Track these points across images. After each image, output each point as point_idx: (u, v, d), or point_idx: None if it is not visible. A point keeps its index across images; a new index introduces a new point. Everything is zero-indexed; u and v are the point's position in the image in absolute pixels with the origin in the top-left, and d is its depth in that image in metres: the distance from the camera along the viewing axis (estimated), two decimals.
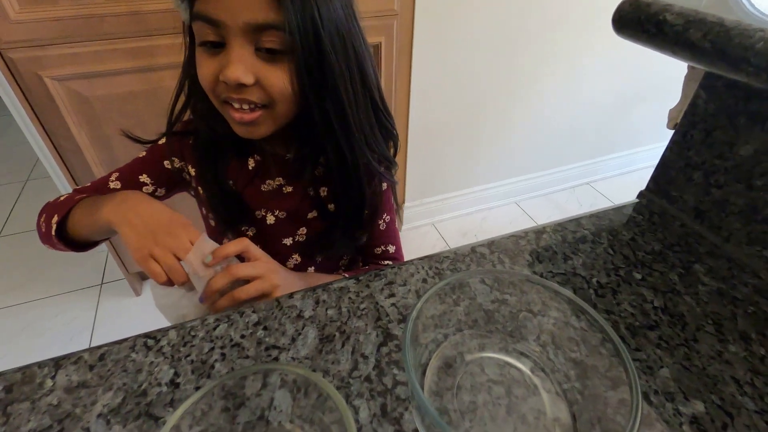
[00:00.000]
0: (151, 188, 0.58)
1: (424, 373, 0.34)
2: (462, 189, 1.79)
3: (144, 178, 0.57)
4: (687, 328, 0.39)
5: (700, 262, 0.46)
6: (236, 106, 0.44)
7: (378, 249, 0.64)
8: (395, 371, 0.35)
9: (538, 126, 1.72)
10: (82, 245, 0.55)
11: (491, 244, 0.48)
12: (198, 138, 0.54)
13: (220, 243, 0.64)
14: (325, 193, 0.57)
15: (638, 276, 0.44)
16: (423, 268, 0.45)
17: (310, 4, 0.39)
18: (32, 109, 1.11)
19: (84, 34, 1.06)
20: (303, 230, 0.60)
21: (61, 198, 0.55)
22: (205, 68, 0.43)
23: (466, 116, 1.56)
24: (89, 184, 0.58)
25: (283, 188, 0.57)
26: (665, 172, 0.54)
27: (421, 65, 1.36)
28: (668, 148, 0.53)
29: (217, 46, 0.42)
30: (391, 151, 0.57)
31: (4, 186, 1.95)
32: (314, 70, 0.42)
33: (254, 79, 0.42)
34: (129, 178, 0.57)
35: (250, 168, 0.55)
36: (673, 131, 0.52)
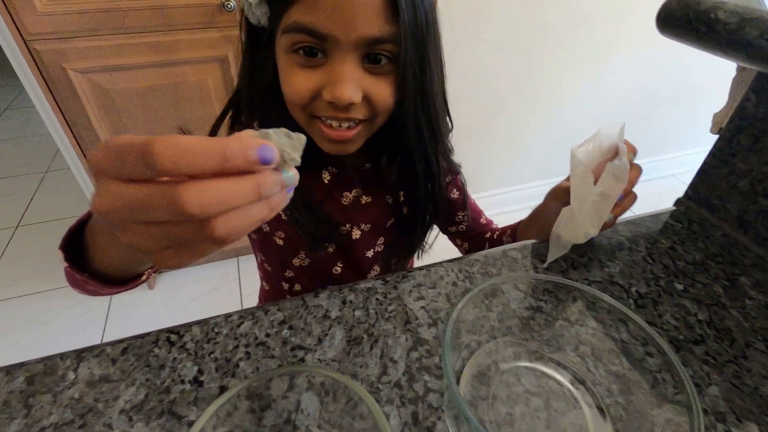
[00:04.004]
0: None
1: (457, 381, 0.32)
2: (476, 193, 1.76)
3: None
4: (735, 344, 0.37)
5: (746, 275, 0.44)
6: (334, 124, 0.40)
7: (482, 219, 0.66)
8: (426, 377, 0.33)
9: (556, 130, 1.69)
10: (121, 280, 0.36)
11: (523, 248, 0.46)
12: None
13: (282, 270, 0.60)
14: (402, 198, 0.55)
15: (680, 287, 0.42)
16: (453, 270, 0.43)
17: (423, 10, 0.36)
18: (55, 100, 1.12)
19: (107, 28, 1.07)
20: (381, 240, 0.58)
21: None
22: (302, 83, 0.38)
23: (482, 118, 1.54)
24: None
25: (361, 199, 0.54)
26: (706, 179, 0.51)
27: None
28: (711, 154, 0.51)
29: (313, 55, 0.37)
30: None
31: (23, 177, 1.98)
32: (417, 78, 0.40)
33: (362, 96, 0.38)
34: None
35: (326, 181, 0.51)
36: (716, 136, 0.50)
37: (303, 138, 0.20)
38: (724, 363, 0.35)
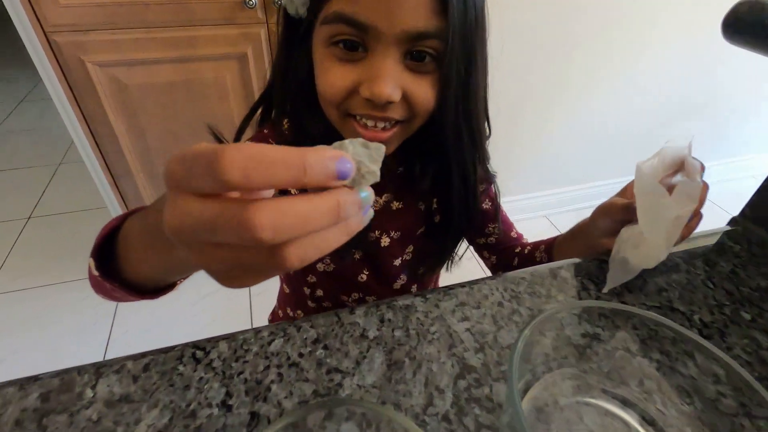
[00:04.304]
0: None
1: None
2: None
3: None
4: None
5: None
6: (369, 124, 0.38)
7: (513, 233, 0.62)
8: (477, 411, 0.30)
9: (575, 139, 1.65)
10: (151, 289, 0.33)
11: (571, 266, 0.43)
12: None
13: (304, 275, 0.57)
14: (435, 206, 0.53)
15: (747, 316, 0.38)
16: (498, 289, 0.40)
17: (473, 6, 0.35)
18: (72, 93, 1.11)
19: (127, 21, 1.05)
20: (410, 248, 0.55)
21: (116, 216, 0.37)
22: (338, 78, 0.36)
23: (500, 124, 1.49)
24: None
25: (391, 205, 0.51)
26: (767, 197, 0.48)
27: None
28: None
29: (353, 49, 0.35)
30: None
31: (37, 168, 1.98)
32: (461, 78, 0.37)
33: (401, 95, 0.36)
34: None
35: None
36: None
37: (382, 147, 0.18)
38: None
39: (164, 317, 1.32)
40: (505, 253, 0.62)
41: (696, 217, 0.39)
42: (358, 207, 0.17)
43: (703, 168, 0.38)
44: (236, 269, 0.17)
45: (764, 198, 0.48)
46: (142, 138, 1.23)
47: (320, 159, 0.15)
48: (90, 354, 1.24)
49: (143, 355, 0.33)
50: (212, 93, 1.21)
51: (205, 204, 0.15)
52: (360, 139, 0.18)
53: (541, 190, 1.79)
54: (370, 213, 0.18)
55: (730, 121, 1.81)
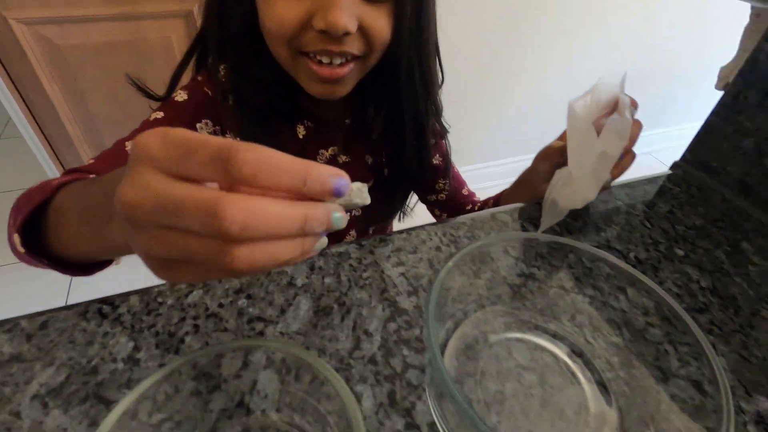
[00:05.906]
0: None
1: (441, 355, 0.28)
2: (458, 167, 1.73)
3: None
4: (741, 312, 0.34)
5: (748, 240, 0.41)
6: (325, 60, 0.35)
7: (464, 190, 0.61)
8: (405, 352, 0.29)
9: (540, 103, 1.65)
10: (81, 265, 0.31)
11: (513, 211, 0.42)
12: (242, 99, 0.42)
13: None
14: (384, 159, 0.51)
15: (680, 252, 0.39)
16: (436, 234, 0.38)
17: None
18: None
19: None
20: None
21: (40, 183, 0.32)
22: (287, 10, 0.33)
23: (464, 90, 1.48)
24: (92, 161, 0.38)
25: (338, 158, 0.49)
26: (707, 140, 0.48)
27: None
28: (714, 113, 0.47)
29: None
30: None
31: None
32: (414, 11, 0.36)
33: (357, 26, 0.33)
34: None
35: (301, 136, 0.46)
36: (722, 92, 0.46)
37: (365, 186, 0.19)
38: (730, 333, 0.32)
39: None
40: (456, 210, 0.61)
41: (628, 155, 0.38)
42: (324, 226, 0.16)
43: (634, 104, 0.37)
44: (178, 260, 0.16)
45: (703, 141, 0.48)
46: (82, 104, 1.13)
47: (321, 173, 0.16)
48: None
49: (41, 313, 0.30)
50: (159, 56, 1.12)
51: (176, 185, 0.15)
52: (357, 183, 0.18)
53: (508, 156, 1.79)
54: (324, 241, 0.18)
55: (678, 91, 1.85)
